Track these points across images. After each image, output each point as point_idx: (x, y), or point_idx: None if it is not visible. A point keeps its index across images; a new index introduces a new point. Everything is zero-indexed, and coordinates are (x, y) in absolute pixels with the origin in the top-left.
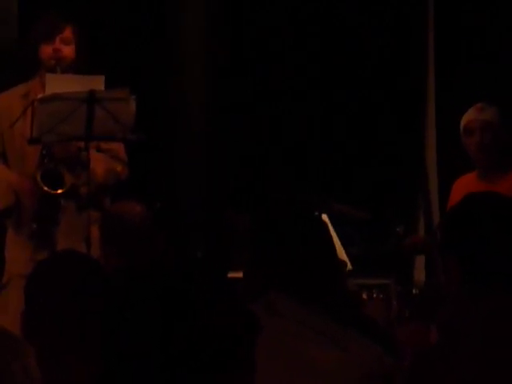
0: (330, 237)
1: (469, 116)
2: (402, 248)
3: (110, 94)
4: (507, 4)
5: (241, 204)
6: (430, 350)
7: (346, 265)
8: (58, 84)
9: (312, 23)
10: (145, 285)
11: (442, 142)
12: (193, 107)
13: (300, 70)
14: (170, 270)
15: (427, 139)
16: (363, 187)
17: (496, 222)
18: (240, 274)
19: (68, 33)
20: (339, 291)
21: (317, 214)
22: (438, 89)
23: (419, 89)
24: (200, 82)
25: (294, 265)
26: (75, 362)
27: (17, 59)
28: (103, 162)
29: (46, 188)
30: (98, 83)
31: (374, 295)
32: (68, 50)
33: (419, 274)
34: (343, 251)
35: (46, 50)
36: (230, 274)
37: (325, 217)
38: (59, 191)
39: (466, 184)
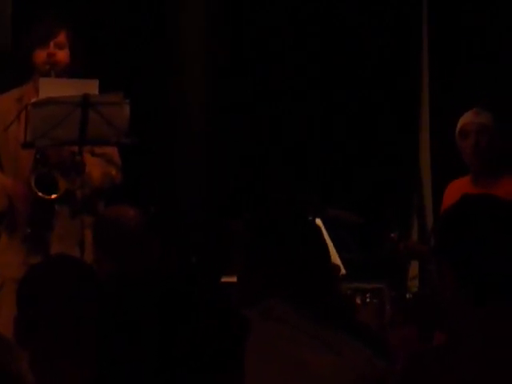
0: (324, 240)
1: (465, 119)
2: (396, 253)
3: (104, 98)
4: (507, 4)
5: (240, 204)
6: (425, 352)
7: (340, 269)
8: (52, 88)
9: (312, 23)
10: (140, 288)
11: (436, 144)
12: (193, 107)
13: (300, 69)
14: (167, 273)
15: (421, 141)
16: (361, 187)
17: (492, 224)
18: (235, 279)
19: (62, 37)
20: (333, 294)
21: (310, 218)
22: (433, 90)
23: (414, 89)
24: (200, 82)
25: (293, 265)
26: (68, 367)
27: (11, 63)
28: (99, 166)
29: (39, 193)
30: (91, 87)
31: (368, 300)
32: (62, 55)
33: (413, 279)
34: (337, 256)
35: (41, 55)
36: (226, 279)
37: (319, 221)
38: (53, 196)
39: (459, 188)
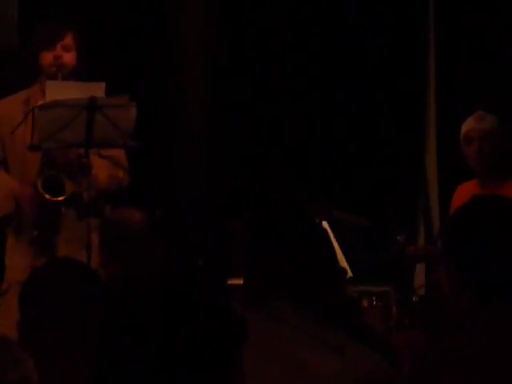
0: (330, 239)
1: (468, 125)
2: (402, 257)
3: (110, 100)
4: (507, 4)
5: (240, 204)
6: (429, 353)
7: (346, 272)
8: (59, 91)
9: (312, 23)
10: (142, 289)
11: (442, 145)
12: (193, 107)
13: (300, 69)
14: (168, 274)
15: (427, 142)
16: (364, 188)
17: (498, 226)
18: (238, 281)
19: (69, 40)
20: (339, 295)
21: (317, 221)
22: (439, 89)
23: (420, 89)
24: (200, 82)
25: (294, 265)
26: (70, 367)
27: (17, 64)
28: (106, 168)
29: (46, 195)
30: (98, 90)
31: (374, 303)
32: (69, 57)
33: (419, 281)
34: (343, 259)
35: (47, 57)
36: (230, 281)
37: (325, 224)
38: (60, 198)
39: (467, 191)
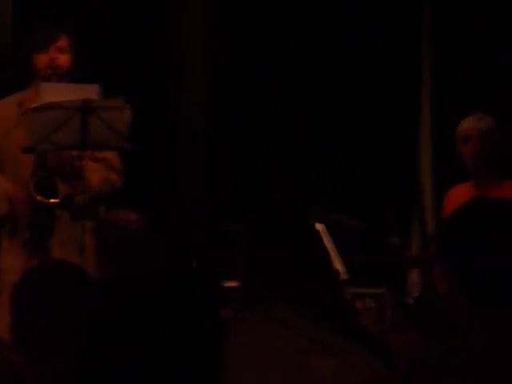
0: (324, 244)
1: (465, 124)
2: (397, 258)
3: (105, 102)
4: (507, 4)
5: (242, 205)
6: (427, 354)
7: (341, 274)
8: (53, 93)
9: (312, 23)
10: (138, 289)
11: (437, 146)
12: (193, 107)
13: (300, 69)
14: (167, 274)
15: (421, 143)
16: (364, 188)
17: (495, 226)
18: (235, 284)
19: (63, 42)
20: (337, 296)
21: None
22: (435, 90)
23: (418, 89)
24: (200, 82)
25: (294, 265)
26: (64, 369)
27: (11, 65)
28: (98, 171)
29: (39, 197)
30: (92, 92)
31: (368, 304)
32: (63, 59)
33: (414, 283)
34: (338, 261)
35: (42, 59)
36: (231, 283)
37: (321, 226)
38: (53, 200)
39: (460, 194)
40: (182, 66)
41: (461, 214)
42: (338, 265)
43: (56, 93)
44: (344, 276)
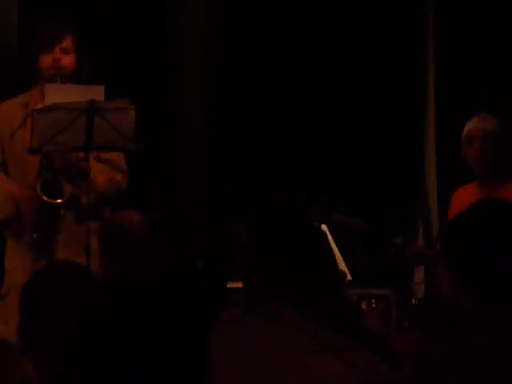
0: (328, 242)
1: (470, 125)
2: (402, 259)
3: (110, 103)
4: (507, 4)
5: (242, 205)
6: (430, 353)
7: (346, 275)
8: (58, 94)
9: (312, 23)
10: (144, 291)
11: (441, 145)
12: (193, 107)
13: (300, 69)
14: (168, 274)
15: (427, 141)
16: (364, 189)
17: (500, 227)
18: (239, 285)
19: (67, 42)
20: (339, 296)
21: (316, 224)
22: (439, 90)
23: (419, 89)
24: (200, 82)
25: (294, 265)
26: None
27: (16, 66)
28: (104, 172)
29: (45, 198)
30: (97, 93)
31: (374, 305)
32: (68, 60)
33: (418, 284)
34: (342, 262)
35: (46, 60)
36: (231, 284)
37: (324, 227)
38: (58, 201)
39: (466, 195)
40: (182, 66)
41: (466, 215)
42: (342, 266)
43: (61, 94)
44: (348, 277)
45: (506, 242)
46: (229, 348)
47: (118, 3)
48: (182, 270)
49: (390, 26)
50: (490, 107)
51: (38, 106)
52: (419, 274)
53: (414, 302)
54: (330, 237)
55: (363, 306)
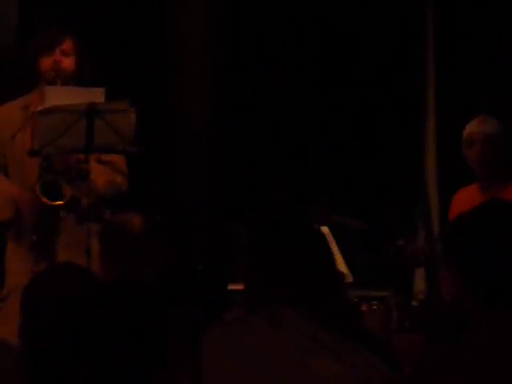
0: (328, 244)
1: (470, 128)
2: (402, 260)
3: (110, 106)
4: (507, 4)
5: (242, 205)
6: (430, 353)
7: (345, 277)
8: (58, 96)
9: (312, 23)
10: (144, 292)
11: (442, 146)
12: (193, 107)
13: (300, 69)
14: (169, 275)
15: (427, 142)
16: (364, 189)
17: (502, 228)
18: (240, 286)
19: (68, 44)
20: (339, 297)
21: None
22: (439, 90)
23: (419, 89)
24: (200, 82)
25: (294, 265)
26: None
27: (16, 67)
28: (104, 174)
29: (45, 200)
30: (97, 95)
31: (374, 307)
32: (68, 62)
33: (419, 285)
34: (343, 263)
35: (46, 62)
36: (232, 286)
37: (325, 229)
38: (58, 203)
39: (467, 197)
40: (182, 66)
41: (469, 216)
42: (342, 267)
43: (61, 96)
44: (349, 279)
45: (508, 243)
46: (232, 349)
47: (118, 3)
48: (182, 271)
49: (390, 26)
50: (490, 107)
51: (39, 108)
52: (420, 275)
53: (414, 304)
54: (332, 239)
55: (364, 307)
